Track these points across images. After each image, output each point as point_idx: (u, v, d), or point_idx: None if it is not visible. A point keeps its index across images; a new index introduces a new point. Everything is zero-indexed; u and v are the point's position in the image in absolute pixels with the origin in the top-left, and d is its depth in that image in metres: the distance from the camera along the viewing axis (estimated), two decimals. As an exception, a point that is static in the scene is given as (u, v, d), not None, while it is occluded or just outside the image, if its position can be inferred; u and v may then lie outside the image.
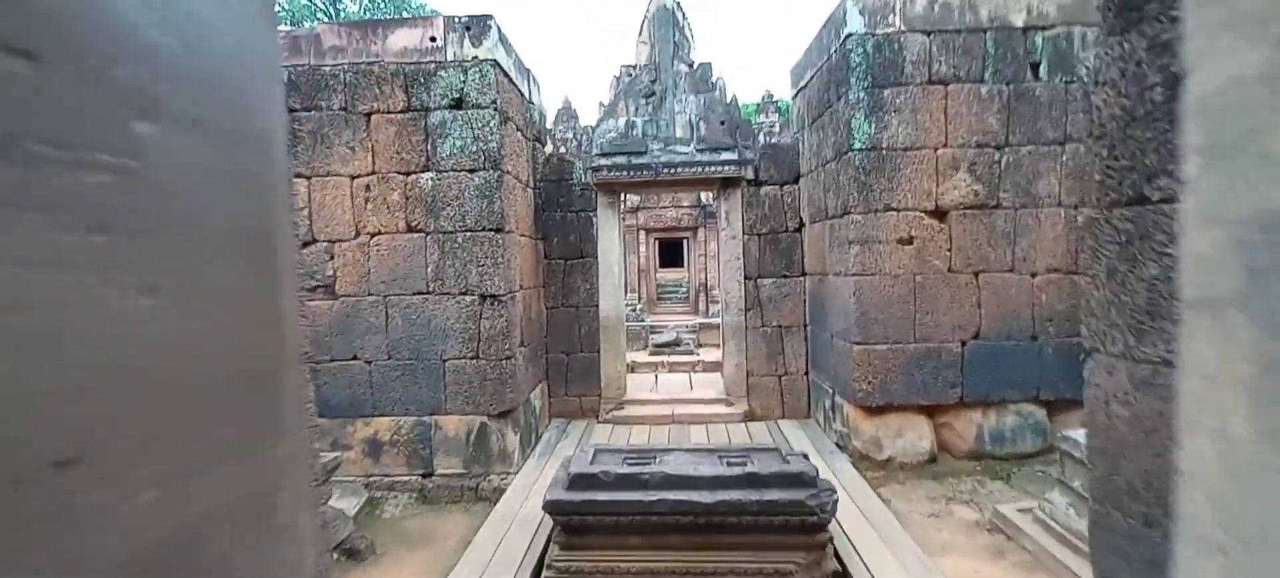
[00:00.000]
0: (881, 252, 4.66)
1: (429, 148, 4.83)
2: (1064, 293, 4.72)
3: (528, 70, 6.07)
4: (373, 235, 4.90)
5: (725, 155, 6.31)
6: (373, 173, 4.87)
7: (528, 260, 5.80)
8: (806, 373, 6.15)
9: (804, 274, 6.10)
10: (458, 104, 4.80)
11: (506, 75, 5.11)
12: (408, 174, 4.86)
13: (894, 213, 4.65)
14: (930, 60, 4.59)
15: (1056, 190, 4.66)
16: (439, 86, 4.80)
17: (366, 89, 4.83)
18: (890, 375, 4.71)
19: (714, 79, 9.17)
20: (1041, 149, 4.65)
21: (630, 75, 9.32)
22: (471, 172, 4.81)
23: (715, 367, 8.85)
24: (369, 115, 4.85)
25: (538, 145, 6.29)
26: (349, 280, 4.92)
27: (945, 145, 4.63)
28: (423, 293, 4.90)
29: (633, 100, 8.95)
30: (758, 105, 17.69)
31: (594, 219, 6.26)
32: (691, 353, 10.47)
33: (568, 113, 17.91)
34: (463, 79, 4.78)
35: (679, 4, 8.97)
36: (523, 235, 5.60)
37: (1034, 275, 4.71)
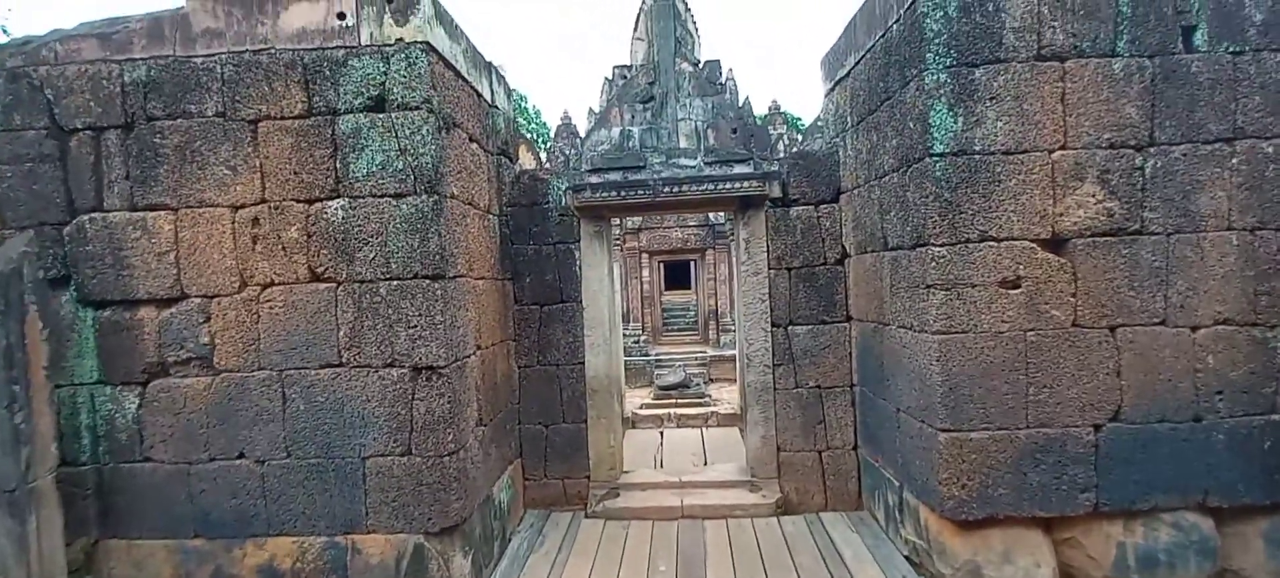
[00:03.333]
0: (976, 299, 3.27)
1: (339, 165, 3.49)
2: (1240, 354, 3.30)
3: (489, 65, 4.75)
4: (264, 288, 3.55)
5: (740, 168, 4.96)
6: (262, 201, 3.54)
7: (491, 309, 4.44)
8: (856, 448, 4.72)
9: (848, 319, 4.70)
10: (377, 105, 3.47)
11: (450, 66, 3.79)
12: (310, 202, 3.52)
13: (993, 244, 3.26)
14: (1040, 26, 3.23)
15: (1225, 208, 3.27)
16: (351, 81, 3.47)
17: (252, 86, 3.51)
18: (993, 475, 3.29)
19: (723, 79, 7.80)
20: (1202, 149, 3.26)
21: (625, 77, 7.99)
22: (397, 197, 3.47)
23: (732, 419, 7.45)
24: (256, 122, 3.52)
25: (505, 161, 4.96)
26: (232, 351, 3.57)
27: (1064, 147, 3.25)
28: (333, 366, 3.54)
29: (628, 106, 7.60)
30: (765, 118, 16.36)
31: (576, 253, 4.90)
32: (702, 398, 9.06)
33: (568, 129, 16.61)
34: (383, 70, 3.45)
35: (680, -7, 7.64)
36: (481, 278, 4.25)
37: (1195, 329, 3.30)
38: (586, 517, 4.72)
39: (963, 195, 3.24)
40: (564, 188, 4.89)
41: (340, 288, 3.51)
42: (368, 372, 3.52)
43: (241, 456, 3.58)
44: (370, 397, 3.52)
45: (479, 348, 4.12)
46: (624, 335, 13.54)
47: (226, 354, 3.57)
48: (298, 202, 3.52)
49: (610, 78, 8.13)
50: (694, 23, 8.18)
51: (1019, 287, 3.27)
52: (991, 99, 3.23)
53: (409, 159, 3.45)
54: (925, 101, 3.27)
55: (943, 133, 3.24)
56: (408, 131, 3.45)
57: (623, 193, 4.70)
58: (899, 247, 3.69)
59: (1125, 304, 3.28)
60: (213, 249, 3.55)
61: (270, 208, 3.53)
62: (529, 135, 21.04)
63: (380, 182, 3.47)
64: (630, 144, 7.77)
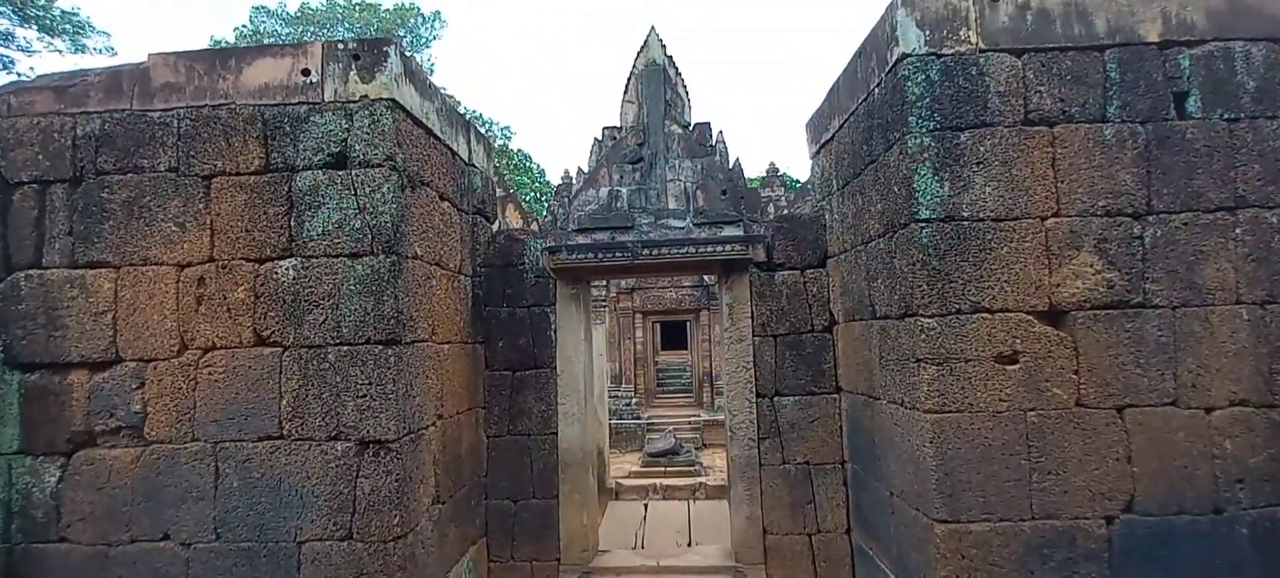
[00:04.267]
0: (971, 375, 3.01)
1: (293, 223, 3.31)
2: (1259, 438, 3.02)
3: (468, 123, 4.66)
4: (205, 352, 3.31)
5: (728, 231, 4.81)
6: (210, 260, 3.34)
7: (458, 374, 4.18)
8: (848, 532, 4.36)
9: (838, 390, 4.43)
10: (337, 161, 3.32)
11: (419, 123, 3.66)
12: (261, 262, 3.33)
13: (986, 316, 3.03)
14: (1025, 90, 3.10)
15: (1232, 280, 3.06)
16: (311, 137, 3.33)
17: (209, 141, 3.37)
18: (997, 573, 2.96)
19: (713, 141, 7.77)
20: (1203, 218, 3.08)
21: (614, 138, 7.97)
22: (353, 257, 3.27)
23: (722, 491, 7.04)
24: (209, 178, 3.36)
25: (481, 220, 4.80)
26: (165, 420, 3.30)
27: (1058, 214, 3.07)
28: (273, 438, 3.25)
29: (617, 167, 7.52)
30: (762, 180, 16.45)
31: (552, 316, 4.68)
32: (693, 466, 8.65)
33: (568, 189, 16.72)
34: (346, 126, 3.32)
35: (670, 58, 7.69)
36: (447, 343, 4.01)
37: (1209, 411, 3.03)
38: (554, 606, 4.32)
39: (951, 263, 3.04)
40: (541, 248, 4.71)
41: (286, 353, 3.27)
42: (310, 445, 3.23)
43: (166, 537, 3.25)
44: (311, 473, 3.22)
45: (440, 418, 3.84)
46: (615, 397, 13.17)
47: (159, 423, 3.29)
48: (247, 261, 3.32)
49: (600, 139, 8.11)
50: (685, 87, 8.23)
51: (1016, 362, 3.03)
52: (978, 163, 3.07)
53: (368, 217, 3.28)
54: (909, 165, 3.11)
55: (928, 197, 3.06)
56: (368, 189, 3.28)
57: (601, 255, 4.52)
58: (887, 316, 3.47)
59: (1132, 383, 3.02)
60: (153, 310, 3.33)
61: (218, 267, 3.32)
62: (528, 195, 21.14)
63: (336, 240, 3.28)
64: (618, 204, 7.65)
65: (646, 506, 6.64)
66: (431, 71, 20.35)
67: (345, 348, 3.24)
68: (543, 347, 4.66)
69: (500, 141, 22.48)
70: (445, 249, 4.06)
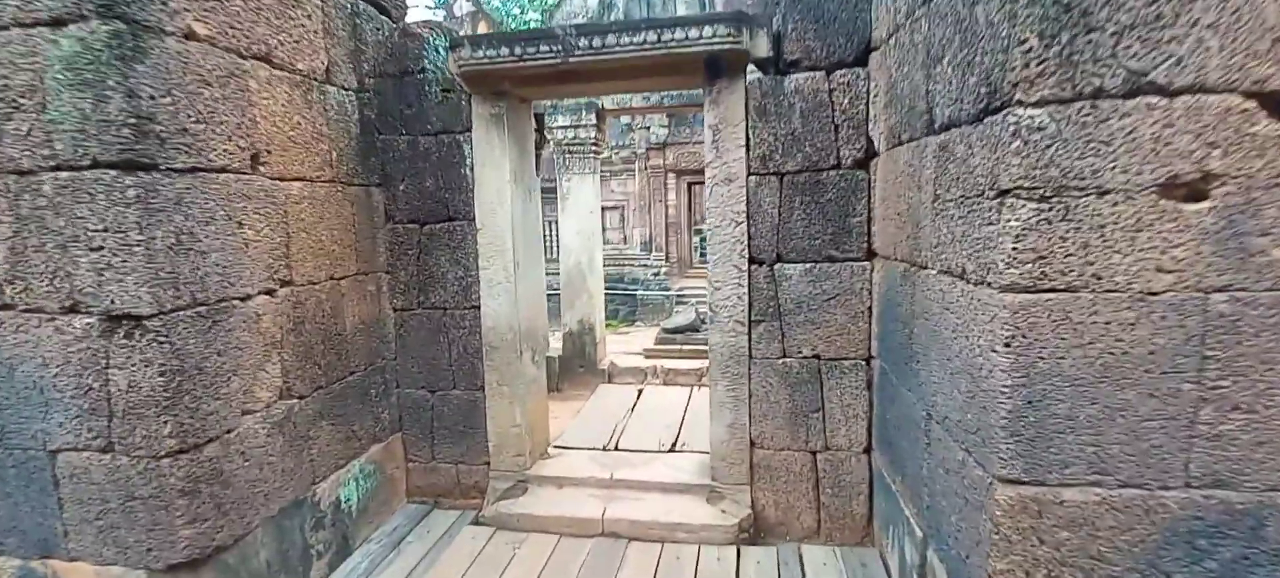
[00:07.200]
0: (1105, 221, 1.55)
1: (-34, -27, 2.07)
2: None
3: None
4: (-109, 180, 2.25)
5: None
6: None
7: (330, 225, 3.05)
8: (868, 450, 3.13)
9: (870, 256, 3.01)
10: None
11: None
12: (-64, 39, 2.15)
13: (1157, 102, 1.50)
14: None
15: None
16: None
17: None
18: (1105, 572, 1.67)
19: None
20: None
21: (607, -73, 6.08)
22: (55, 25, 2.04)
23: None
24: None
25: (369, 10, 3.40)
26: None
27: None
28: (-5, 307, 2.25)
29: (609, -34, 5.65)
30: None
31: (466, 147, 3.37)
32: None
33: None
34: None
35: None
36: (300, 179, 2.83)
37: None
38: (473, 523, 3.40)
39: (1095, -8, 1.47)
40: (443, 46, 3.31)
41: (-9, 183, 2.17)
42: (41, 319, 2.21)
43: (-104, 434, 2.41)
44: (49, 358, 2.22)
45: (286, 284, 2.75)
46: (644, 266, 12.06)
47: None
48: (-82, 38, 2.15)
49: (590, -70, 6.27)
50: None
51: (1205, 197, 1.53)
52: None
53: (70, -42, 1.99)
54: None
55: None
56: (63, -93, 1.97)
57: (520, 49, 3.06)
58: (953, 123, 1.96)
59: None
60: None
61: (-118, 49, 2.17)
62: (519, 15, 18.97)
63: None
64: (613, 14, 6.00)
65: (640, 392, 5.63)
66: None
67: (64, 174, 2.10)
68: (456, 191, 3.41)
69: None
70: (281, 38, 2.75)
